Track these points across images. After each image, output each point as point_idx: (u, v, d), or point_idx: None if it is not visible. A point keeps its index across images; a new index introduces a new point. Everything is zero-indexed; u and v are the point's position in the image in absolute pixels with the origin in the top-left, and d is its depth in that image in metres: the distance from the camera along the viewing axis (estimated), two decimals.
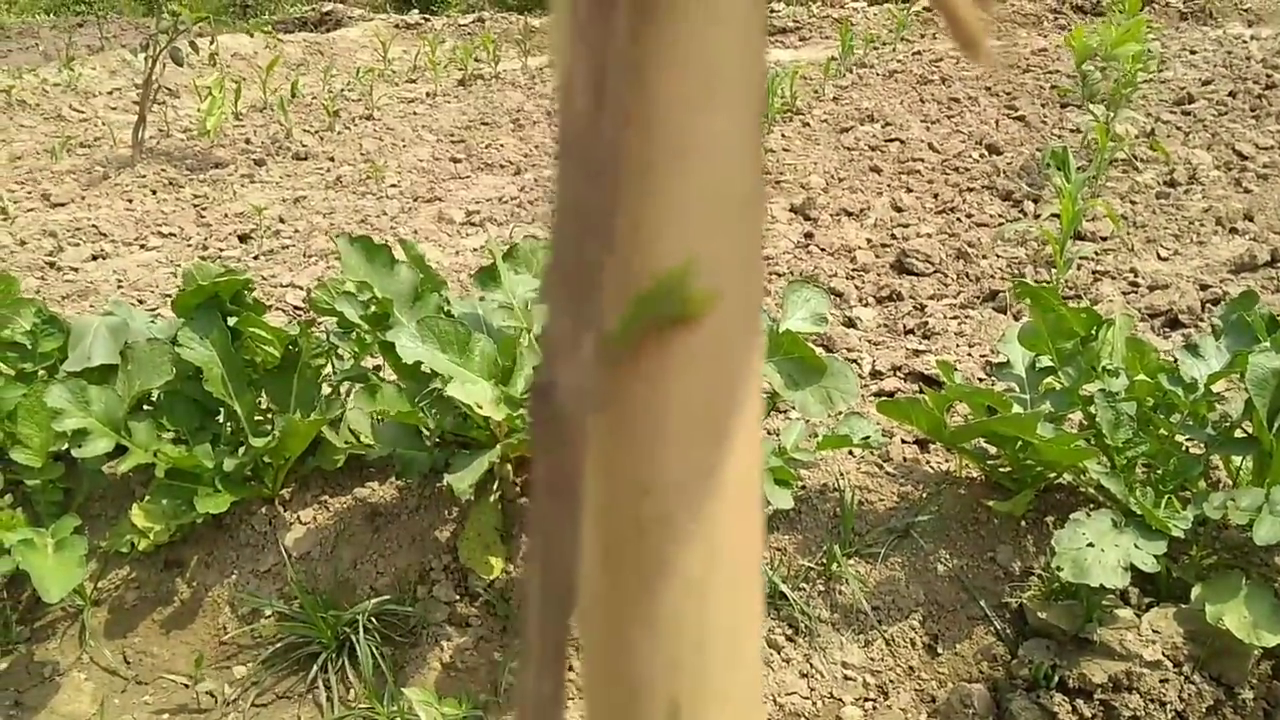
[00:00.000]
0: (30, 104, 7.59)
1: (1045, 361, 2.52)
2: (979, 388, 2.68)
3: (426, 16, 11.46)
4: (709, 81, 0.35)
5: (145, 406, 2.67)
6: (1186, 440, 2.42)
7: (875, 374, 3.26)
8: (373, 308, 2.54)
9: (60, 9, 13.04)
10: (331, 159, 6.20)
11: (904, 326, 3.63)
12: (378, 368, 2.94)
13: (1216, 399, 2.38)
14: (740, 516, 0.41)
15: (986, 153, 5.30)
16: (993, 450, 2.55)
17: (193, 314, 2.62)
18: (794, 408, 2.48)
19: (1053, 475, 2.48)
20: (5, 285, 2.76)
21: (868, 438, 2.47)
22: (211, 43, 6.80)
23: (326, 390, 2.80)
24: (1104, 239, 4.22)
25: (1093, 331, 2.45)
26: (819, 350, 2.39)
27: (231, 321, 2.65)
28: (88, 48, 10.27)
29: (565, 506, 0.30)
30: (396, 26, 10.78)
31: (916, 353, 3.37)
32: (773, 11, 9.91)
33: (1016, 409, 2.38)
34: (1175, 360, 2.41)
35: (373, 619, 2.43)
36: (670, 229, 0.36)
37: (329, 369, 2.83)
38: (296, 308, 4.07)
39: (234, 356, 2.63)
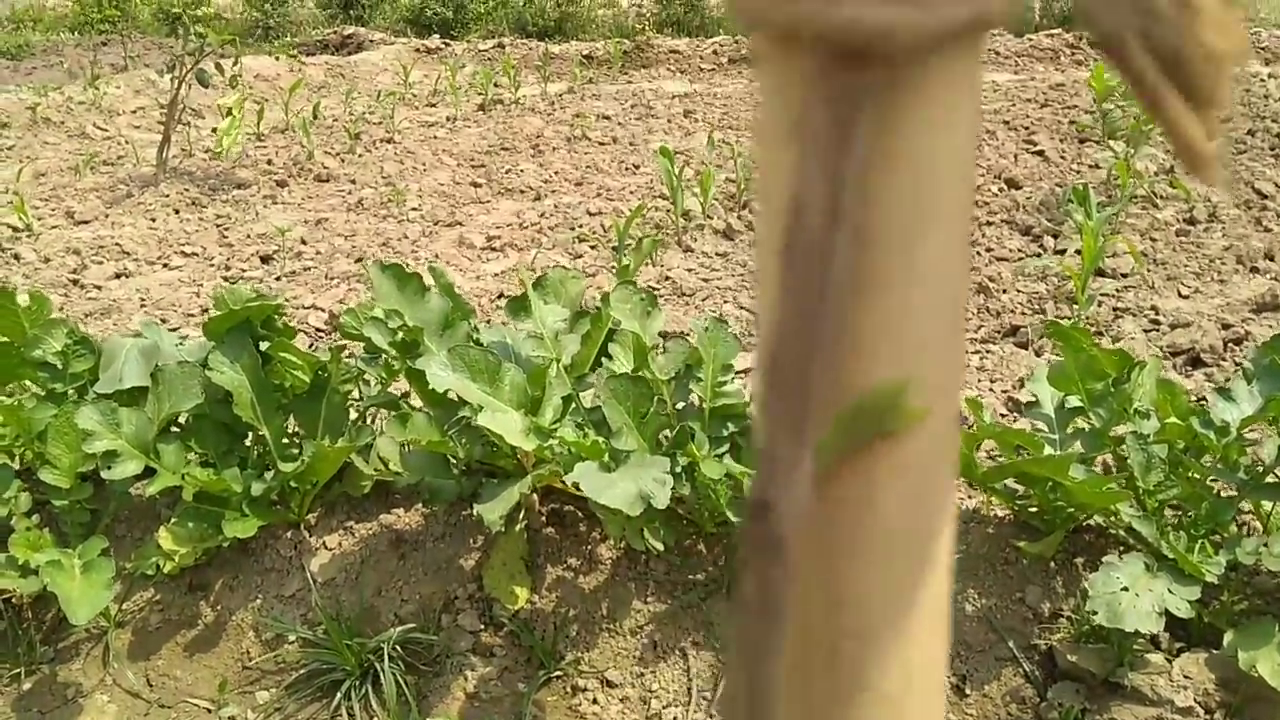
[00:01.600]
0: (55, 121, 7.65)
1: (1074, 401, 2.51)
2: (1010, 427, 2.67)
3: (447, 41, 11.55)
4: (933, 199, 0.34)
5: (174, 429, 2.68)
6: (1217, 484, 2.41)
7: None
8: (401, 335, 2.55)
9: (85, 28, 13.16)
10: (353, 181, 6.23)
11: None
12: (405, 394, 2.95)
13: (1248, 443, 2.37)
14: (933, 633, 0.41)
15: (1005, 187, 5.31)
16: (1021, 490, 2.53)
17: (223, 338, 2.63)
18: None
19: (1083, 517, 2.46)
20: (37, 305, 2.78)
21: None
22: (235, 64, 6.86)
23: (354, 416, 2.80)
24: (1124, 276, 4.21)
25: (1124, 373, 2.44)
26: None
27: (262, 346, 2.66)
28: (112, 66, 10.38)
29: (772, 624, 0.30)
30: (417, 51, 10.87)
31: None
32: None
33: (1047, 449, 2.37)
34: (1205, 402, 2.40)
35: (397, 647, 2.43)
36: (887, 346, 0.35)
37: (356, 394, 2.83)
38: (319, 330, 4.08)
39: (263, 381, 2.64)
